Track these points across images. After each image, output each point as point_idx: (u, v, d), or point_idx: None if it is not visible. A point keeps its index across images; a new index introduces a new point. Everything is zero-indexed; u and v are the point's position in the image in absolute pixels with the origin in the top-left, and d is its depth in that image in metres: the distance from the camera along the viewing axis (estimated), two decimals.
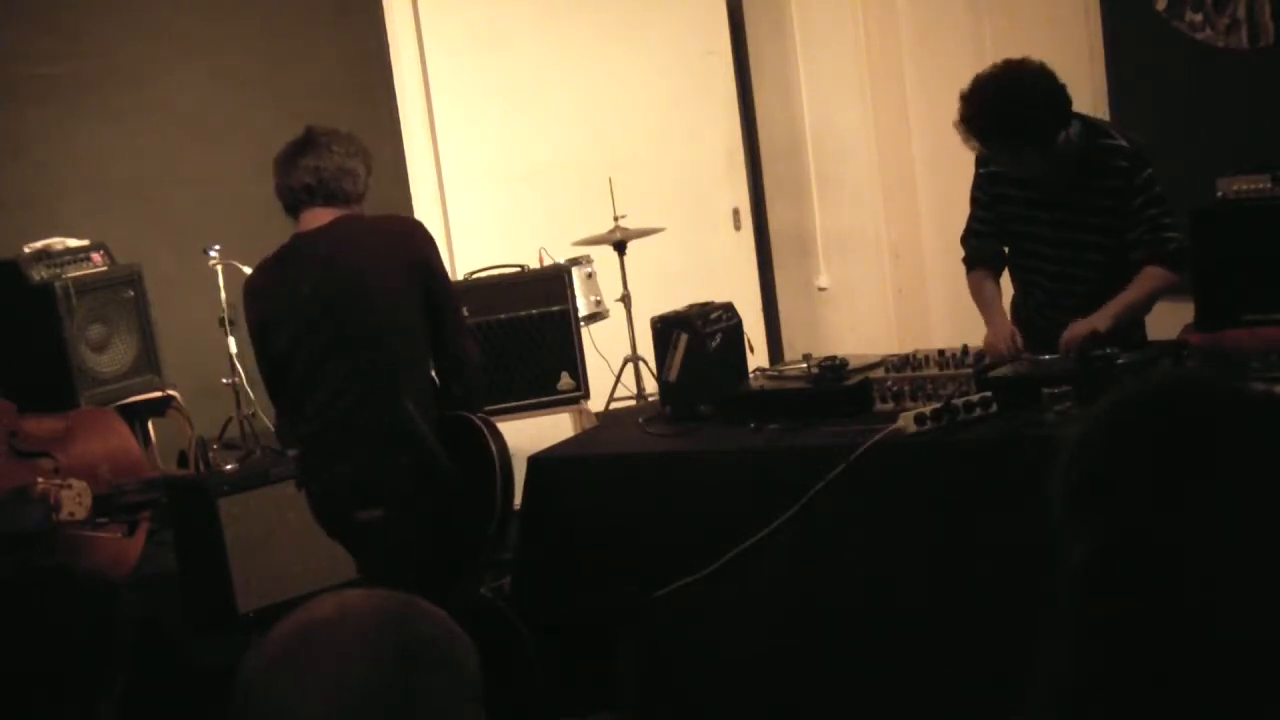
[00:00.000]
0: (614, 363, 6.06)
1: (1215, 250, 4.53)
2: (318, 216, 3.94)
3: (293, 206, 3.97)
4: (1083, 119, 4.03)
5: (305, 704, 1.33)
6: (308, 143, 3.96)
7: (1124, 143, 4.00)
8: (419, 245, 3.99)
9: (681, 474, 3.80)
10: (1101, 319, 3.87)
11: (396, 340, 3.91)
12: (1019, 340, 3.99)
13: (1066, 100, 3.92)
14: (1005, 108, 3.83)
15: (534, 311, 5.66)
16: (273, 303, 3.96)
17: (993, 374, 3.70)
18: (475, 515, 3.92)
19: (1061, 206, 4.07)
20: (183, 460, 5.83)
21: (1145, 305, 4.07)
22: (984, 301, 4.20)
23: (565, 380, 5.67)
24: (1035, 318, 4.20)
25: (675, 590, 3.70)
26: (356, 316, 3.88)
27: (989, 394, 3.53)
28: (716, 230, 7.29)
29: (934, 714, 3.46)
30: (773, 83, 7.30)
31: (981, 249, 4.26)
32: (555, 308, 5.64)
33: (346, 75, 6.76)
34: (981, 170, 4.20)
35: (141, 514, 4.75)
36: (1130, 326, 4.05)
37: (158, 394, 5.80)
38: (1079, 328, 3.85)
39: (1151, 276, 4.00)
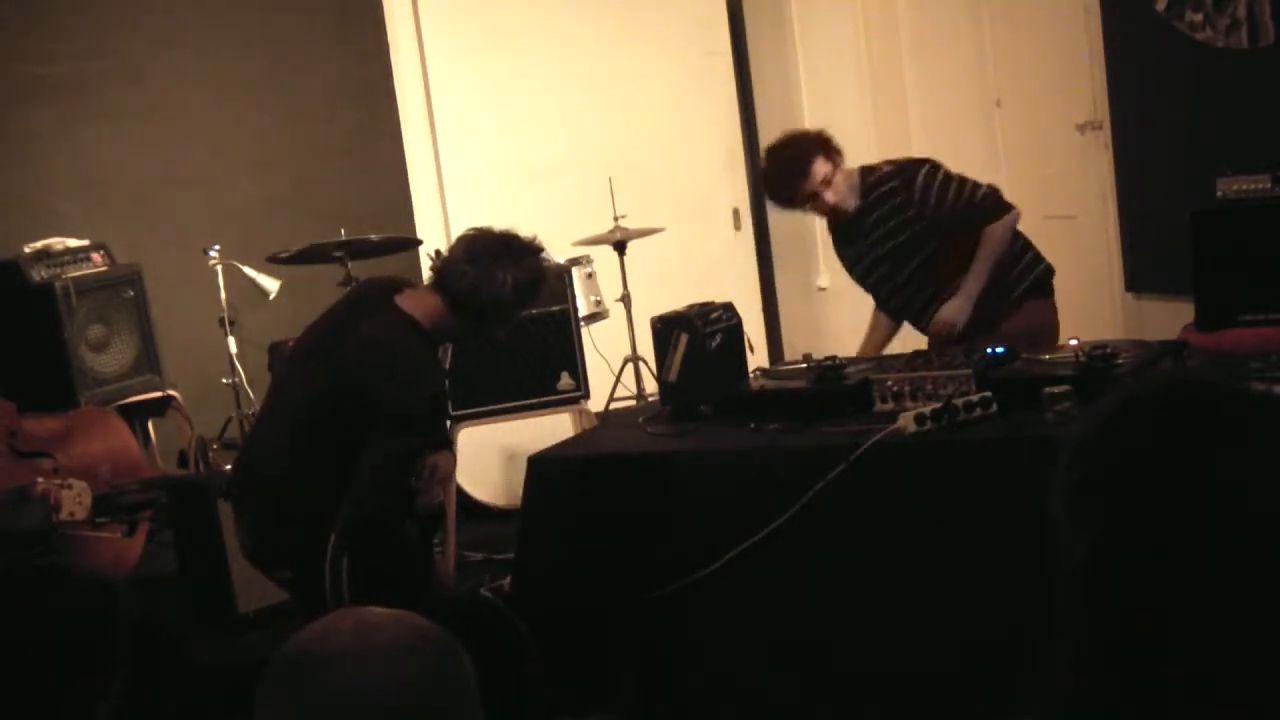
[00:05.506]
0: (614, 363, 6.06)
1: (1215, 250, 4.52)
2: (411, 296, 3.76)
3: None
4: (862, 169, 4.56)
5: (375, 684, 1.49)
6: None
7: (885, 168, 4.49)
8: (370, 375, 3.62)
9: (681, 474, 3.79)
10: (959, 310, 4.43)
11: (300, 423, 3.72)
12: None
13: (798, 155, 4.45)
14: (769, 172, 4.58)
15: (534, 311, 5.63)
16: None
17: (993, 374, 3.70)
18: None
19: (861, 239, 4.60)
20: (183, 460, 5.83)
21: (995, 267, 4.47)
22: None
23: (565, 380, 5.66)
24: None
25: (675, 590, 3.70)
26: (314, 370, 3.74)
27: (989, 394, 3.52)
28: (716, 230, 7.30)
29: (934, 713, 3.46)
30: (773, 83, 7.30)
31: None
32: (555, 308, 5.63)
33: (347, 76, 6.77)
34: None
35: (141, 514, 4.75)
36: (1006, 275, 4.51)
37: (158, 394, 5.80)
38: (944, 318, 4.43)
39: (985, 242, 4.45)
